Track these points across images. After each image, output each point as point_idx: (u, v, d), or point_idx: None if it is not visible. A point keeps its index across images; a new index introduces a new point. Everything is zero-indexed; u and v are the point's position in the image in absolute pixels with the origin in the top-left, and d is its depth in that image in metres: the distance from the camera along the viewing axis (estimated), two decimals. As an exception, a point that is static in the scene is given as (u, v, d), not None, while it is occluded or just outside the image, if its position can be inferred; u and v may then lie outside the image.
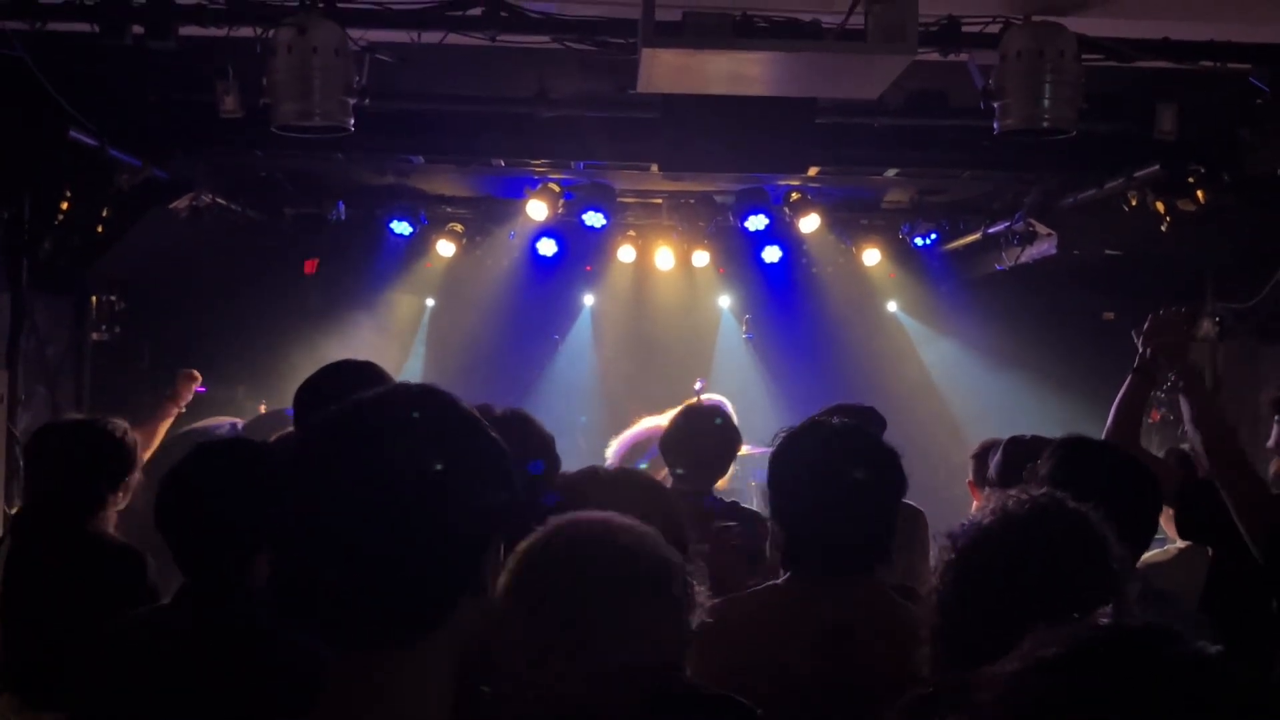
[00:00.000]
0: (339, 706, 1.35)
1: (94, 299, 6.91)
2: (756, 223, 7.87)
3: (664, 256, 8.81)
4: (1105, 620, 1.19)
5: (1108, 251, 6.98)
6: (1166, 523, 3.96)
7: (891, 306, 9.68)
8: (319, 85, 4.15)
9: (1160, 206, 6.03)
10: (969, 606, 1.93)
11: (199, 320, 7.90)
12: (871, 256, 8.86)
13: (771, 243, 8.60)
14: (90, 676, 2.67)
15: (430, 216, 8.43)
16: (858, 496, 2.57)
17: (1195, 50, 4.57)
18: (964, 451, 5.09)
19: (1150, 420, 7.47)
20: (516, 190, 7.84)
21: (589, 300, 9.77)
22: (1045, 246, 7.18)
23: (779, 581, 2.68)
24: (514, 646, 1.73)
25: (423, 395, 1.43)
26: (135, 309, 7.37)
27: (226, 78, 4.77)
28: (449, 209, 8.50)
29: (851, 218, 8.63)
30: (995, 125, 4.32)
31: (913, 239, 8.76)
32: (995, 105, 4.29)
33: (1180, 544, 4.27)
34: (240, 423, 6.35)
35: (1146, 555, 3.76)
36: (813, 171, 6.45)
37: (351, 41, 4.27)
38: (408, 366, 9.16)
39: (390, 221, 8.22)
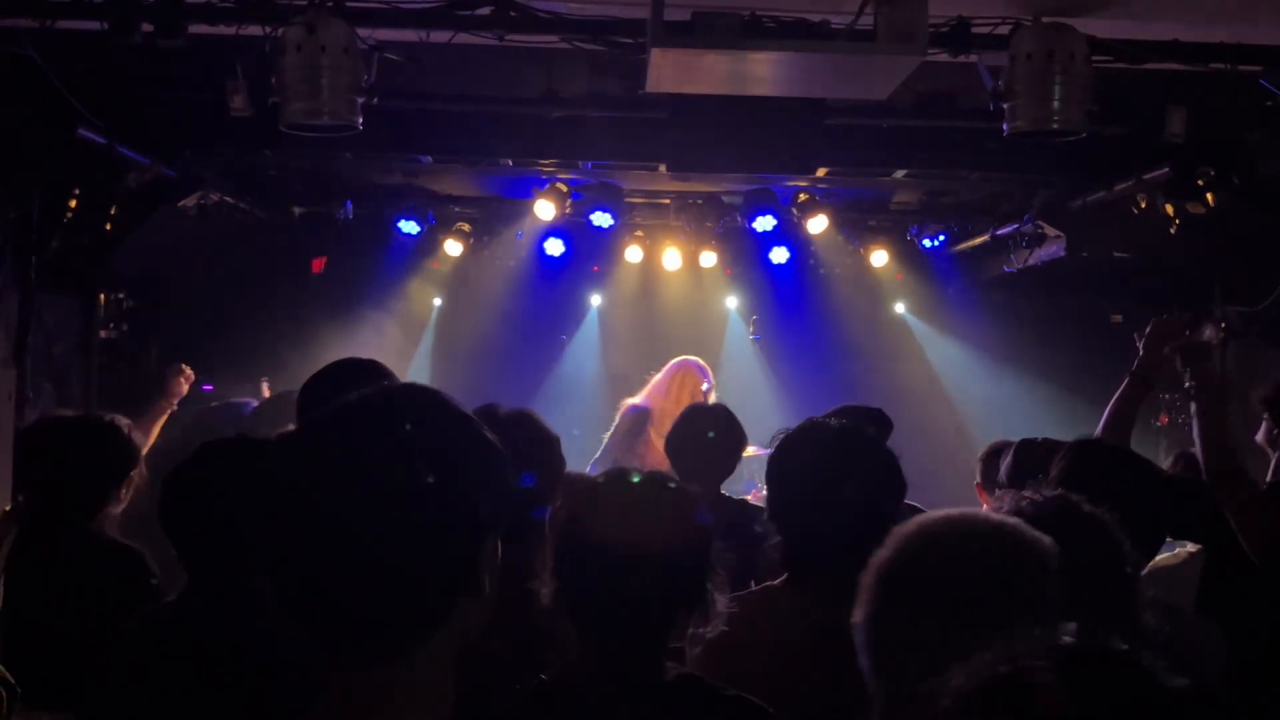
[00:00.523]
0: (340, 707, 1.35)
1: (102, 297, 6.92)
2: (764, 223, 7.84)
3: (671, 257, 8.78)
4: (1068, 639, 1.22)
5: (1116, 254, 6.96)
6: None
7: (899, 308, 9.65)
8: (328, 84, 4.15)
9: (1169, 209, 6.01)
10: None
11: (207, 318, 7.93)
12: (879, 258, 8.82)
13: (779, 243, 8.58)
14: (98, 675, 2.67)
15: (438, 216, 8.43)
16: (854, 498, 2.56)
17: (1205, 52, 4.55)
18: (971, 453, 5.08)
19: (1159, 423, 7.46)
20: (524, 190, 7.84)
21: (596, 300, 9.76)
22: (1054, 249, 7.16)
23: (776, 583, 2.68)
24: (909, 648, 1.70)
25: (413, 394, 1.42)
26: (143, 307, 7.40)
27: (235, 76, 4.77)
28: (457, 208, 8.49)
29: (860, 219, 8.61)
30: (1005, 127, 4.31)
31: (921, 240, 8.74)
32: (1005, 107, 4.27)
33: (1191, 547, 4.26)
34: (255, 401, 6.43)
35: (1158, 558, 3.77)
36: (821, 172, 6.43)
37: (360, 40, 4.27)
38: (415, 366, 9.17)
39: (398, 221, 8.22)
